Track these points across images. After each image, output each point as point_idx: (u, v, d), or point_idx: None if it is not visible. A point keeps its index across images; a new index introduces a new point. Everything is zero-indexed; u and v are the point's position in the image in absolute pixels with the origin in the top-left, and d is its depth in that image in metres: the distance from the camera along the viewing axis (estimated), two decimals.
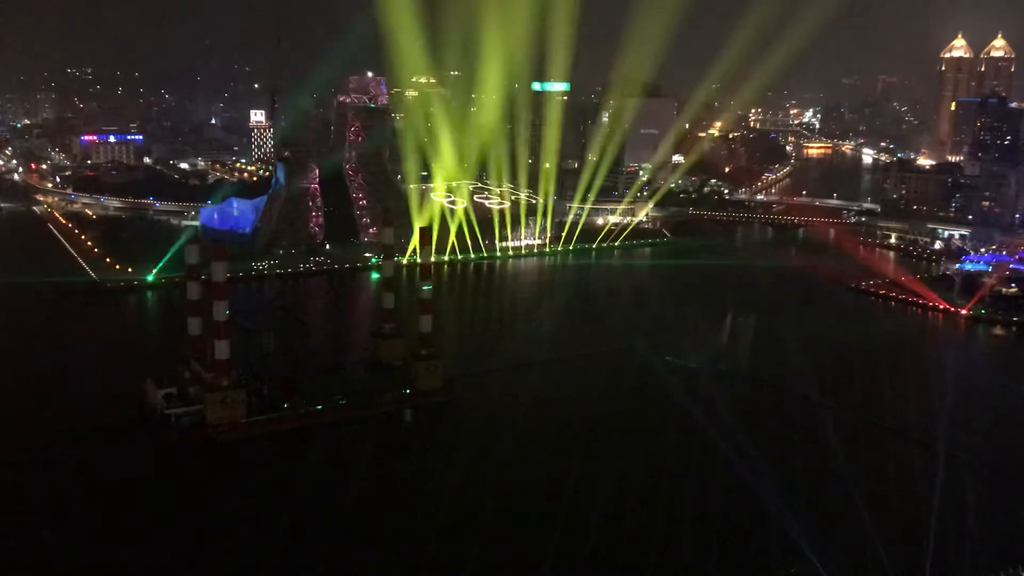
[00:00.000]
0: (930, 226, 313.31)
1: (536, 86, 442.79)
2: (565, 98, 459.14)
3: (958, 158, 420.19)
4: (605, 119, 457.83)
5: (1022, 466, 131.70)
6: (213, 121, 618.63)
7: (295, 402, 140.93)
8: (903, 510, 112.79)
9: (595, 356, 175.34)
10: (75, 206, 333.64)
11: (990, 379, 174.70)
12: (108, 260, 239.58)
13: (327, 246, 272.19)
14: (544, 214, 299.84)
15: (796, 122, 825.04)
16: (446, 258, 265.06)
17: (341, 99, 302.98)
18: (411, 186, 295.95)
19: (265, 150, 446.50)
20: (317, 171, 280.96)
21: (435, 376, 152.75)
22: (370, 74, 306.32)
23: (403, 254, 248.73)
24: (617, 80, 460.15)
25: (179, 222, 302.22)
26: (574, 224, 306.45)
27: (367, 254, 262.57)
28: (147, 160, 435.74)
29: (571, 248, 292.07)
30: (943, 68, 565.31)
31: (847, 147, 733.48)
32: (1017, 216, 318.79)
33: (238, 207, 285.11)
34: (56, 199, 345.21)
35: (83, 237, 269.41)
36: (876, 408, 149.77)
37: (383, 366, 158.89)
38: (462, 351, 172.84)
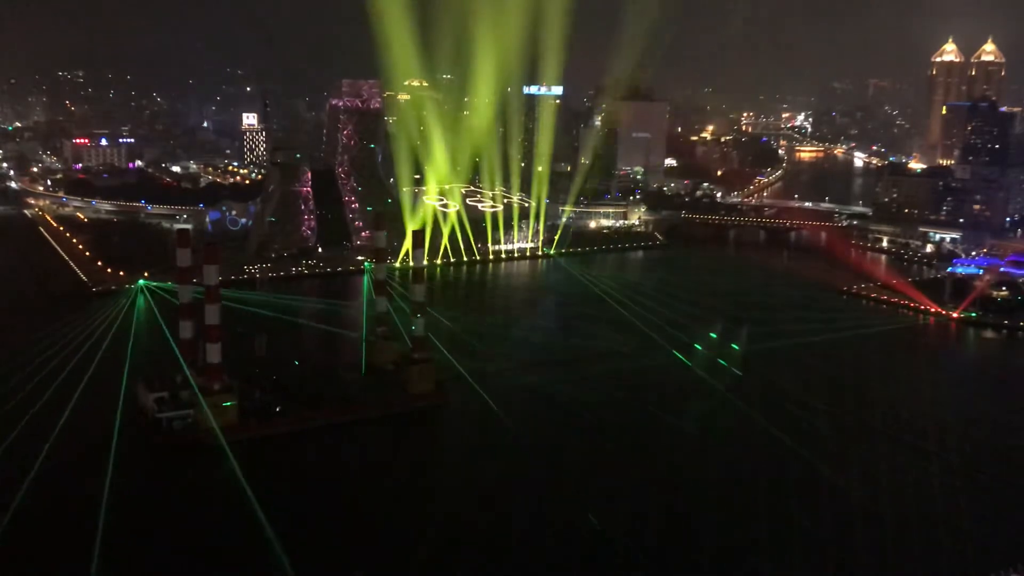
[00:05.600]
0: (921, 229, 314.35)
1: (529, 89, 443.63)
2: (558, 102, 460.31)
3: (949, 162, 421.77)
4: (598, 123, 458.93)
5: None
6: (205, 124, 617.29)
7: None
8: None
9: (584, 358, 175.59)
10: (66, 209, 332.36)
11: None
12: (99, 263, 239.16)
13: (319, 249, 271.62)
14: (536, 217, 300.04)
15: (788, 126, 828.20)
16: (438, 262, 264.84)
17: (334, 102, 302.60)
18: (404, 189, 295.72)
19: (257, 153, 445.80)
20: (309, 174, 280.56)
21: (428, 379, 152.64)
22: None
23: (396, 258, 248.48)
24: (610, 84, 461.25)
25: (171, 225, 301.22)
26: (567, 227, 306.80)
27: (359, 257, 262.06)
28: (139, 163, 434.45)
29: (564, 251, 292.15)
30: (934, 72, 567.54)
31: (839, 151, 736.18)
32: (1008, 219, 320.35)
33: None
34: (47, 202, 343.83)
35: (74, 240, 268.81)
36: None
37: (376, 369, 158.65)
38: (455, 354, 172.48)
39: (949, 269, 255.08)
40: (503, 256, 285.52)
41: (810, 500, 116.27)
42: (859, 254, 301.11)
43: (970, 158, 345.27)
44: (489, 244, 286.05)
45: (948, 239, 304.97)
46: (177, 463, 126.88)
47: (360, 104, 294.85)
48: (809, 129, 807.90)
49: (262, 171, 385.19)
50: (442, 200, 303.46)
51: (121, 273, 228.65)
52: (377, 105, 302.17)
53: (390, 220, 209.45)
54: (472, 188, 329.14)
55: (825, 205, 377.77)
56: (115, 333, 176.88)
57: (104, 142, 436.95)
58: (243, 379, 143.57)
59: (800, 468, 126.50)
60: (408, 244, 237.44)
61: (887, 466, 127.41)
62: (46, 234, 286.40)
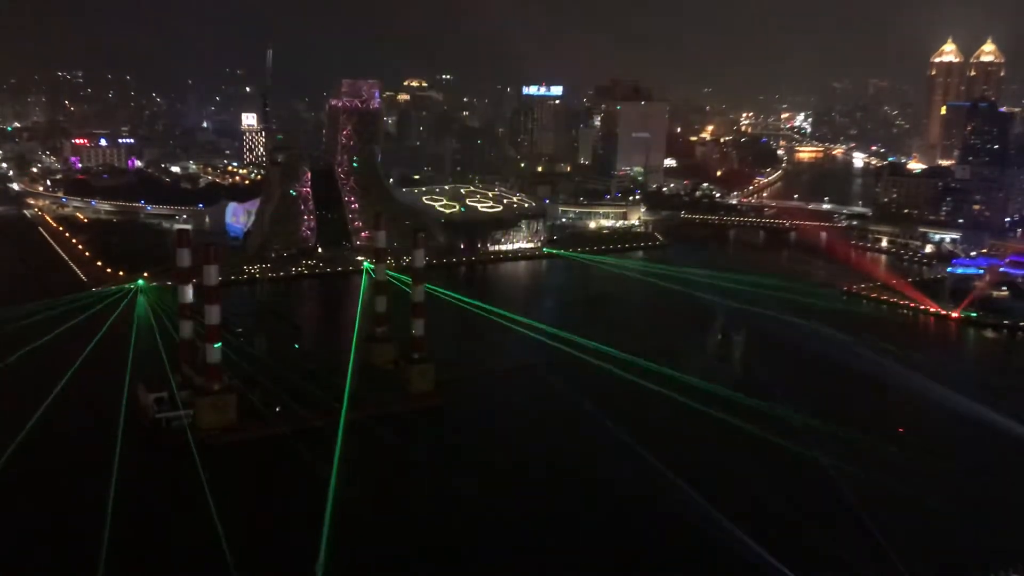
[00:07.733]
0: (921, 230, 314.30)
1: (528, 89, 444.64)
2: (557, 102, 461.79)
3: (949, 162, 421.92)
4: (597, 123, 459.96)
5: None
6: (204, 124, 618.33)
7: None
8: None
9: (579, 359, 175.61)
10: (66, 210, 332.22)
11: None
12: (99, 263, 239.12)
13: (319, 250, 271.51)
14: (536, 217, 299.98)
15: (787, 126, 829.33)
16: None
17: (333, 103, 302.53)
18: (403, 189, 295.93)
19: (257, 153, 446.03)
20: (309, 174, 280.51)
21: (427, 379, 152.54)
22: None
23: (395, 257, 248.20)
24: (609, 84, 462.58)
25: (170, 225, 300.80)
26: (566, 227, 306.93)
27: (359, 257, 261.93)
28: (138, 163, 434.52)
29: (563, 251, 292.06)
30: (933, 72, 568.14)
31: (838, 151, 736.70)
32: (1007, 219, 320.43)
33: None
34: (47, 203, 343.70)
35: (74, 240, 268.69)
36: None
37: (375, 370, 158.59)
38: (454, 355, 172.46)
39: (948, 269, 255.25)
40: (503, 256, 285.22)
41: None
42: (859, 254, 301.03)
43: (970, 158, 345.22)
44: (489, 244, 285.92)
45: (948, 239, 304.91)
46: (176, 463, 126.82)
47: (359, 104, 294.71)
48: (809, 129, 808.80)
49: (261, 171, 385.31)
50: (442, 200, 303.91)
51: (121, 273, 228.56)
52: (376, 105, 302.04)
53: (389, 220, 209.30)
54: (472, 188, 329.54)
55: (825, 205, 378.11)
56: (113, 332, 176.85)
57: (104, 142, 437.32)
58: (242, 379, 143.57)
59: None
60: (407, 244, 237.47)
61: None
62: (46, 234, 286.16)
